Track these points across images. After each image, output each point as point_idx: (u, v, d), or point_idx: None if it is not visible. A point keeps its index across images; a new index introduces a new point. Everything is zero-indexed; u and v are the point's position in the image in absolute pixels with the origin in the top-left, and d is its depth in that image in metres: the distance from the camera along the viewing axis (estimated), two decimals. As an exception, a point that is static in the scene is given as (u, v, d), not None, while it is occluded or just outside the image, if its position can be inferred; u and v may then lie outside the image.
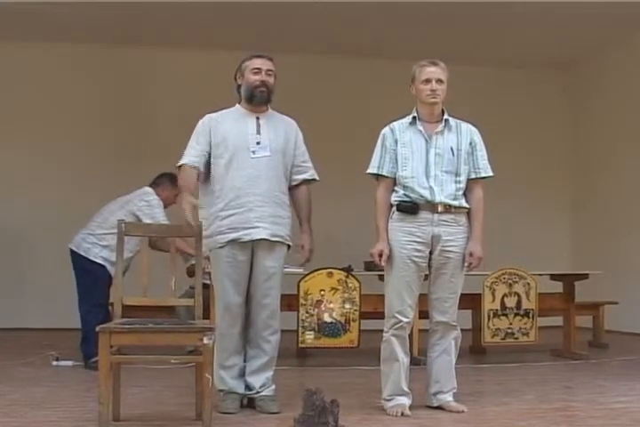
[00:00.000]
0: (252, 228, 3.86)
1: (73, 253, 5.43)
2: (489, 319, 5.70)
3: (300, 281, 5.43)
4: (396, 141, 3.89)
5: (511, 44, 8.44)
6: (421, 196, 3.80)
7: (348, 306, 5.46)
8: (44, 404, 3.97)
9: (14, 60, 8.33)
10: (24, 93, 8.42)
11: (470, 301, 5.38)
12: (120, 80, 8.55)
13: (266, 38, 7.71)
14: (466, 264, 3.87)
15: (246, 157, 3.90)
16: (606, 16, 7.46)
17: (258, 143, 3.93)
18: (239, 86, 4.03)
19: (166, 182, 5.61)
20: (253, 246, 3.90)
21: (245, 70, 3.99)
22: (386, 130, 3.95)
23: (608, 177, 8.81)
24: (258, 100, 3.97)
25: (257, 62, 3.99)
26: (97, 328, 3.31)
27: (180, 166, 3.98)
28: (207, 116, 4.04)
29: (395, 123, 3.97)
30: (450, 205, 3.82)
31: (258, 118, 4.00)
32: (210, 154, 3.96)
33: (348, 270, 5.53)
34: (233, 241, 3.87)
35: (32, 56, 8.37)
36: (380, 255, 3.82)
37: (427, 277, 3.94)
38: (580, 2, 6.95)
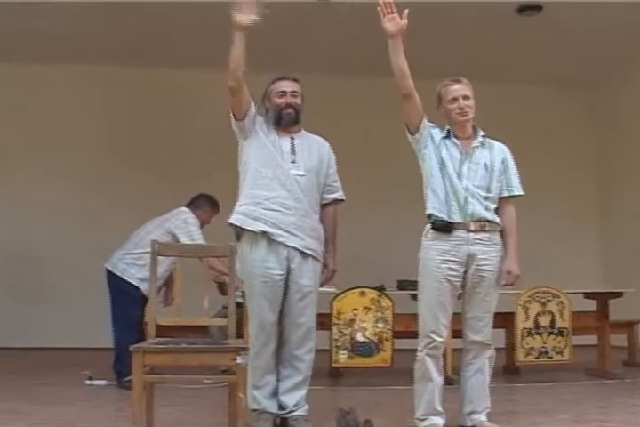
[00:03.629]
0: (289, 233, 3.84)
1: (109, 272, 5.47)
2: (522, 338, 5.65)
3: (332, 300, 5.43)
4: (432, 136, 3.87)
5: (539, 62, 8.42)
6: (454, 203, 3.76)
7: (380, 325, 5.44)
8: (77, 423, 3.98)
9: (30, 82, 8.44)
10: (39, 114, 8.53)
11: (503, 319, 5.35)
12: (135, 101, 8.63)
13: (288, 58, 7.71)
14: (502, 282, 3.83)
15: (281, 176, 3.90)
16: (633, 35, 7.44)
17: (293, 162, 3.94)
18: (267, 110, 4.04)
19: (206, 206, 5.71)
20: (289, 260, 3.86)
21: (271, 94, 4.01)
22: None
23: (636, 192, 8.74)
24: (286, 121, 3.98)
25: (281, 85, 4.01)
26: (131, 348, 3.33)
27: None
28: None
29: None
30: (483, 219, 3.78)
31: (292, 138, 4.01)
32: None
33: (381, 289, 5.51)
34: (267, 238, 3.81)
35: (48, 77, 8.48)
36: None
37: (460, 295, 3.91)
38: (608, 16, 6.93)
